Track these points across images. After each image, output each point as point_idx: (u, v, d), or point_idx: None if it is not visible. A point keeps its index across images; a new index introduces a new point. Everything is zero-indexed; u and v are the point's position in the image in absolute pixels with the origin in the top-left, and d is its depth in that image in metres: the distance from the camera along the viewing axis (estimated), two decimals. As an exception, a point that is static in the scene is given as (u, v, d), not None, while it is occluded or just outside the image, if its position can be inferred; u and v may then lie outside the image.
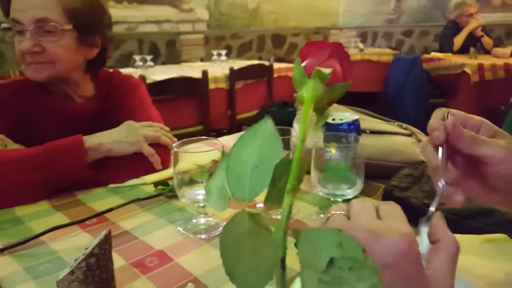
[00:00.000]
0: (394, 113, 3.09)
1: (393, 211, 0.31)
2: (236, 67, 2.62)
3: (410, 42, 4.66)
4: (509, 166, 0.38)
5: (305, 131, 0.38)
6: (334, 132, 0.71)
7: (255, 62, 3.09)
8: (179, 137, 0.68)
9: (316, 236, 0.28)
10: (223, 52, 3.27)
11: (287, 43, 4.72)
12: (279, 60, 3.59)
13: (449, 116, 0.41)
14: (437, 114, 0.42)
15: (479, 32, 3.37)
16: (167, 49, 3.68)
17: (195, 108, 2.45)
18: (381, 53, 3.80)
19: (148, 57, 2.78)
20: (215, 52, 3.26)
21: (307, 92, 0.39)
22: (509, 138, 0.40)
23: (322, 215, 0.69)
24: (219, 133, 2.51)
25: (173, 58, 3.65)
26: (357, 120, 0.75)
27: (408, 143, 0.84)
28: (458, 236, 0.54)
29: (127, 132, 0.85)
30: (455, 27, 3.42)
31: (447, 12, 3.89)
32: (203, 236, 0.61)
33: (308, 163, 0.70)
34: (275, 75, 2.89)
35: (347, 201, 0.66)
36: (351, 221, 0.30)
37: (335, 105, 1.18)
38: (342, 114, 0.77)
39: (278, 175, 0.36)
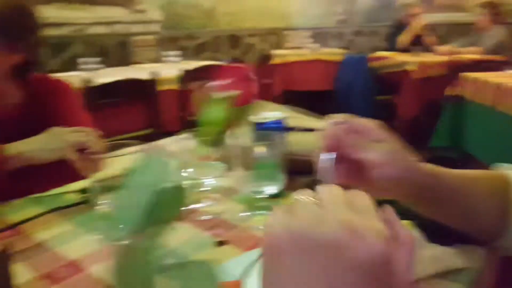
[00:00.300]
0: (343, 110, 3.16)
1: (365, 204, 0.28)
2: (189, 68, 2.59)
3: (361, 42, 4.82)
4: (390, 168, 0.40)
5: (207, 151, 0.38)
6: (259, 131, 0.72)
7: (208, 62, 3.07)
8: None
9: (187, 267, 0.29)
10: (177, 53, 3.21)
11: (244, 43, 4.73)
12: (236, 60, 3.58)
13: (340, 123, 0.43)
14: (331, 121, 0.44)
15: (423, 31, 3.56)
16: (118, 50, 3.56)
17: (145, 111, 2.39)
18: (332, 52, 3.91)
19: (96, 59, 2.68)
20: (168, 53, 3.21)
21: (209, 114, 0.39)
22: (394, 143, 0.42)
23: (248, 213, 0.70)
24: (171, 136, 2.46)
25: (125, 60, 3.54)
26: (282, 119, 0.77)
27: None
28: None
29: (49, 138, 0.81)
30: (401, 26, 3.59)
31: (394, 13, 4.06)
32: (122, 243, 0.60)
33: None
34: (230, 75, 2.89)
35: (273, 197, 0.67)
36: (324, 212, 0.26)
37: (269, 104, 1.20)
38: (269, 113, 0.79)
39: (156, 205, 0.36)
